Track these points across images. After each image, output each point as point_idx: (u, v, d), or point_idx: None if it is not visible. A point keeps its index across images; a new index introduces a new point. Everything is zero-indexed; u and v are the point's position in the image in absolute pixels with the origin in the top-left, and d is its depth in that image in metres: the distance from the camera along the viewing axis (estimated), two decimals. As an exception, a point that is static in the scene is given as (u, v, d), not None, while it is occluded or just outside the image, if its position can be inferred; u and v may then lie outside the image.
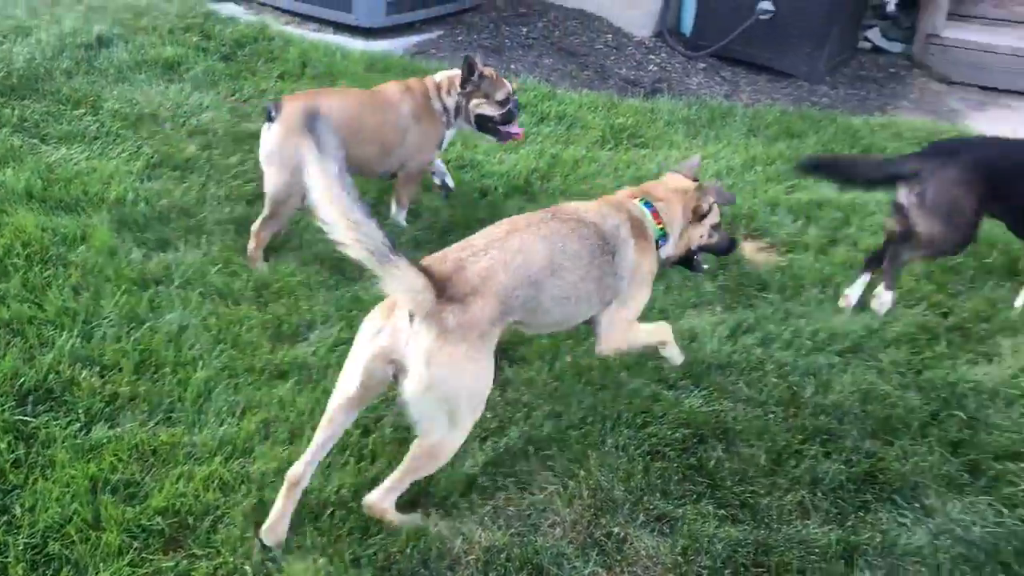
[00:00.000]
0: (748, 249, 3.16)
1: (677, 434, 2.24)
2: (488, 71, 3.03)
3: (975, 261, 3.11)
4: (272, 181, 2.77)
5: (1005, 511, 2.10)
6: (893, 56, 5.19)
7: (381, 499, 1.95)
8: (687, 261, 2.41)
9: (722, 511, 2.06)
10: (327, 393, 2.00)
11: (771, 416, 2.35)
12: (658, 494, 2.09)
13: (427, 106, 3.00)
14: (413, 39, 4.86)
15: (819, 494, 2.12)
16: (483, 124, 3.03)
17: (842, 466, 2.19)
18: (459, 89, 3.01)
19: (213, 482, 1.99)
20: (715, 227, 2.37)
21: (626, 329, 2.19)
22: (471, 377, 1.89)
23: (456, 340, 1.85)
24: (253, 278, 2.69)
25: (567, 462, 2.15)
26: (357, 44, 4.69)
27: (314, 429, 1.96)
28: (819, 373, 2.51)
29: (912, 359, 2.61)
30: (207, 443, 2.09)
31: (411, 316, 1.85)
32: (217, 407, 2.20)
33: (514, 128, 3.07)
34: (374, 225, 1.76)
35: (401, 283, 1.80)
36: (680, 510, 2.05)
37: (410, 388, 1.83)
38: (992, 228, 3.24)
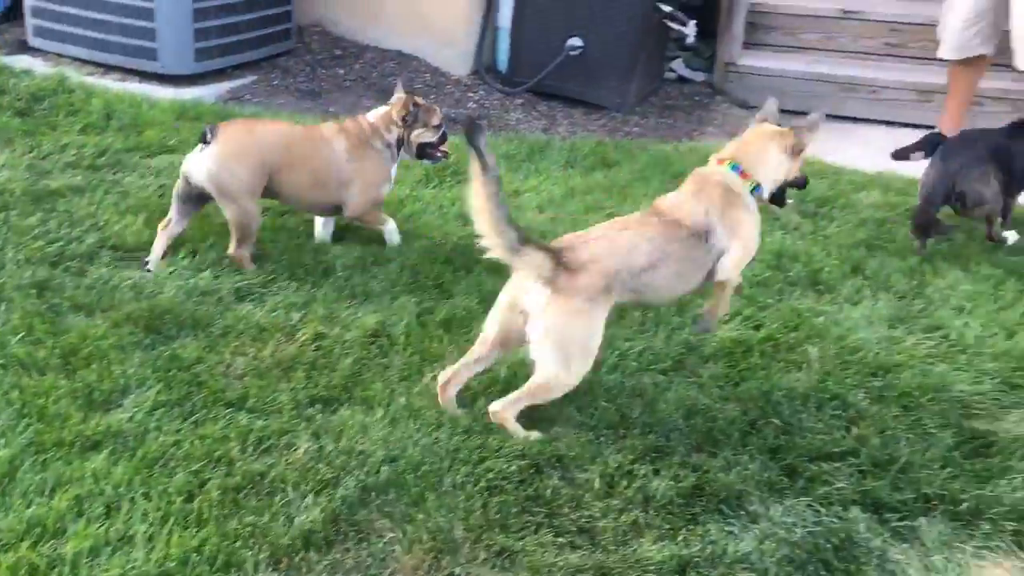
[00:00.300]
0: (573, 277, 3.24)
1: (514, 467, 2.26)
2: (421, 101, 3.25)
3: (781, 274, 3.31)
4: (230, 212, 2.92)
5: (822, 510, 2.22)
6: (697, 84, 5.48)
7: (504, 408, 2.39)
8: (779, 199, 2.74)
9: (561, 539, 2.08)
10: (146, 461, 2.04)
11: (603, 439, 2.41)
12: (498, 529, 2.09)
13: (364, 145, 3.14)
14: (225, 85, 4.74)
15: (651, 512, 2.18)
16: (423, 151, 3.26)
17: (671, 482, 2.26)
18: (399, 124, 3.16)
19: (21, 569, 1.85)
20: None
21: (735, 269, 2.58)
22: (580, 328, 2.36)
23: (567, 297, 2.32)
24: (59, 345, 2.53)
25: (405, 507, 2.13)
26: (166, 92, 4.54)
27: (133, 500, 1.91)
28: (645, 393, 2.60)
29: (730, 372, 2.74)
30: (13, 528, 1.94)
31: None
32: (24, 487, 2.05)
33: (445, 147, 3.33)
34: (512, 229, 2.29)
35: (529, 265, 2.32)
36: (520, 543, 2.05)
37: (532, 332, 2.34)
38: (795, 243, 3.49)
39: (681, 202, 2.57)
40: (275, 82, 4.88)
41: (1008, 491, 2.32)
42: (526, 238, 2.31)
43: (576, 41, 4.83)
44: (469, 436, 2.34)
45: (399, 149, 3.21)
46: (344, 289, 2.96)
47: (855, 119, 5.03)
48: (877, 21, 5.23)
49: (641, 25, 4.79)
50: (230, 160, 2.88)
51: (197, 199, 3.00)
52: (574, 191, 3.86)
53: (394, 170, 3.24)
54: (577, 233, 2.51)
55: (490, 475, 2.22)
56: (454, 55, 5.17)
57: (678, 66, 5.56)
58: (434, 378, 2.54)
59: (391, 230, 3.24)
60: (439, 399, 2.43)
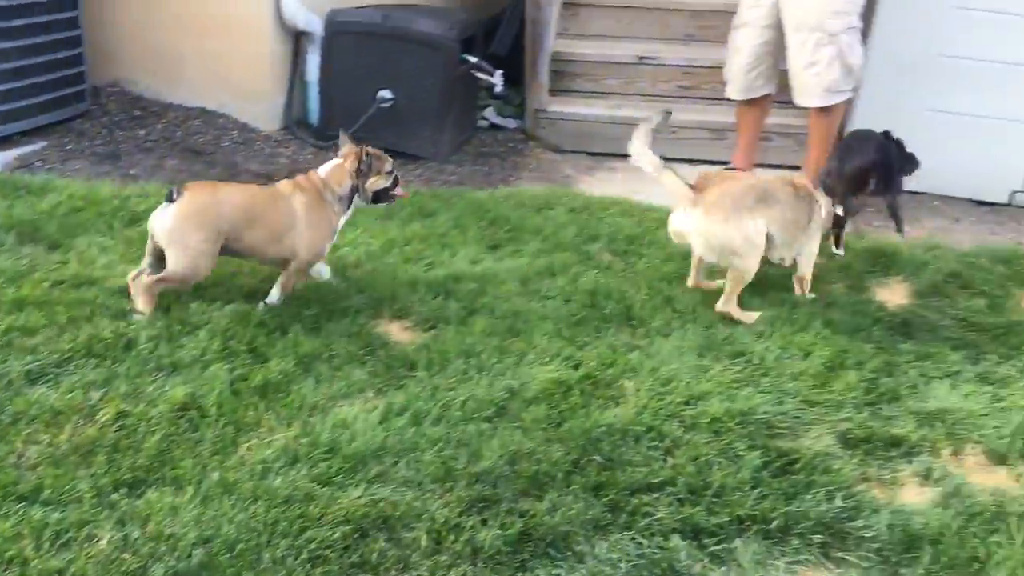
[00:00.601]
0: (395, 330, 3.22)
1: (337, 533, 2.19)
2: (372, 150, 3.32)
3: (597, 312, 3.40)
4: (178, 261, 3.02)
5: (644, 542, 2.27)
6: (510, 131, 5.62)
7: (725, 303, 3.41)
8: None
9: (389, 604, 2.04)
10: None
11: (429, 494, 2.38)
12: (322, 602, 2.02)
13: (317, 201, 3.23)
14: (13, 152, 4.45)
15: (480, 564, 2.16)
16: (378, 197, 3.37)
17: (499, 531, 2.26)
18: (352, 176, 3.26)
19: None
20: None
21: (808, 262, 3.64)
22: (734, 230, 3.32)
23: (714, 212, 3.32)
24: None
25: (221, 590, 2.02)
26: (-57, 162, 4.21)
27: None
28: (470, 443, 2.60)
29: (552, 413, 2.78)
30: None
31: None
32: None
33: (399, 190, 3.45)
34: (657, 156, 3.44)
35: (669, 185, 3.40)
36: (346, 613, 1.99)
37: (699, 247, 3.43)
38: (608, 281, 3.60)
39: (805, 182, 3.66)
40: (69, 147, 4.62)
41: (813, 505, 2.45)
42: (666, 165, 3.45)
43: (386, 93, 4.85)
44: (289, 506, 2.26)
45: (351, 200, 3.31)
46: (149, 362, 2.81)
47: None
48: (671, 66, 5.53)
49: (448, 76, 4.87)
50: (189, 219, 3.02)
51: (163, 254, 3.08)
52: (393, 243, 3.84)
53: (343, 220, 3.35)
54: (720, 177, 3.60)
55: (312, 545, 2.15)
56: (262, 111, 5.08)
57: (490, 114, 5.68)
58: (249, 449, 2.44)
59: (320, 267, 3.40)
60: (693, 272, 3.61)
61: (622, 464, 2.57)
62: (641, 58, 5.58)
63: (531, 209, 4.28)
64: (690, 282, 3.65)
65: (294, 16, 4.85)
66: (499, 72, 5.04)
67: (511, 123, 5.64)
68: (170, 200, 3.03)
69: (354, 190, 3.29)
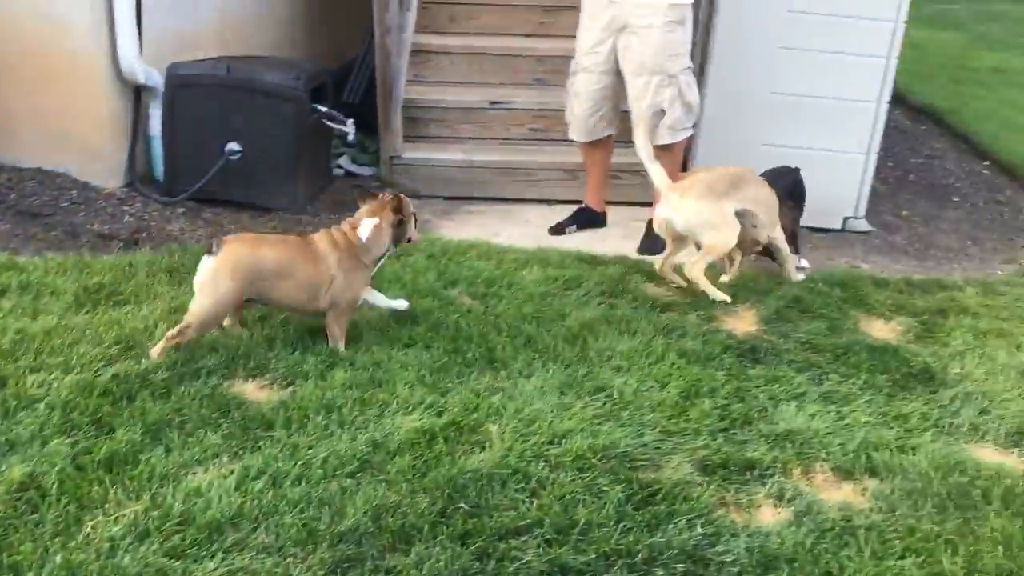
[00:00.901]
0: (250, 389, 3.12)
1: (193, 609, 2.10)
2: (403, 196, 3.48)
3: (459, 357, 3.40)
4: (202, 306, 3.17)
5: (512, 587, 2.27)
6: (367, 179, 5.58)
7: (693, 267, 4.01)
8: None
9: None
10: None
11: (290, 559, 2.30)
12: None
13: (354, 260, 3.36)
14: None
15: (345, 627, 2.11)
16: (399, 239, 3.50)
17: (365, 590, 2.21)
18: (393, 229, 3.41)
19: None
20: None
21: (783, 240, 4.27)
22: (706, 209, 3.96)
23: (688, 194, 3.97)
24: None
25: None
26: None
27: None
28: (333, 501, 2.53)
29: (416, 463, 2.75)
30: None
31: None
32: None
33: (416, 233, 3.63)
34: (651, 148, 4.08)
35: (654, 175, 4.04)
36: None
37: (679, 224, 3.99)
38: (470, 325, 3.61)
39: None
40: None
41: (675, 534, 2.51)
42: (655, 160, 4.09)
43: (234, 146, 4.74)
44: (138, 586, 2.14)
45: (386, 253, 3.48)
46: (-19, 442, 2.63)
47: (515, 200, 5.36)
48: (522, 110, 5.65)
49: (299, 126, 4.81)
50: (225, 272, 3.16)
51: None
52: (246, 299, 3.73)
53: (378, 267, 3.52)
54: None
55: (165, 625, 2.04)
56: (103, 168, 4.87)
57: (345, 162, 5.64)
58: (95, 526, 2.31)
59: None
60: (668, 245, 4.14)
61: (489, 509, 2.57)
62: (493, 103, 5.67)
63: (389, 257, 4.24)
64: (657, 266, 4.23)
65: (133, 70, 4.69)
66: (350, 120, 5.01)
67: (367, 170, 5.61)
68: (209, 253, 3.17)
69: (395, 242, 3.47)
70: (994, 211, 5.92)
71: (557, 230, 4.91)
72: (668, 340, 3.63)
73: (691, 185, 4.03)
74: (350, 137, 5.12)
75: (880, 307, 4.12)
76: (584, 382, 3.29)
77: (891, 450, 3.01)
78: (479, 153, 5.46)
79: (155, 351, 3.18)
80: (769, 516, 2.69)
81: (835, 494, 2.82)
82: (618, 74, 4.52)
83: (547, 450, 2.87)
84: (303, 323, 3.51)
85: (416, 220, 3.60)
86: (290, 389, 3.12)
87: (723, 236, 3.99)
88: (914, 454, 3.00)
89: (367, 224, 3.41)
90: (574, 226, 4.95)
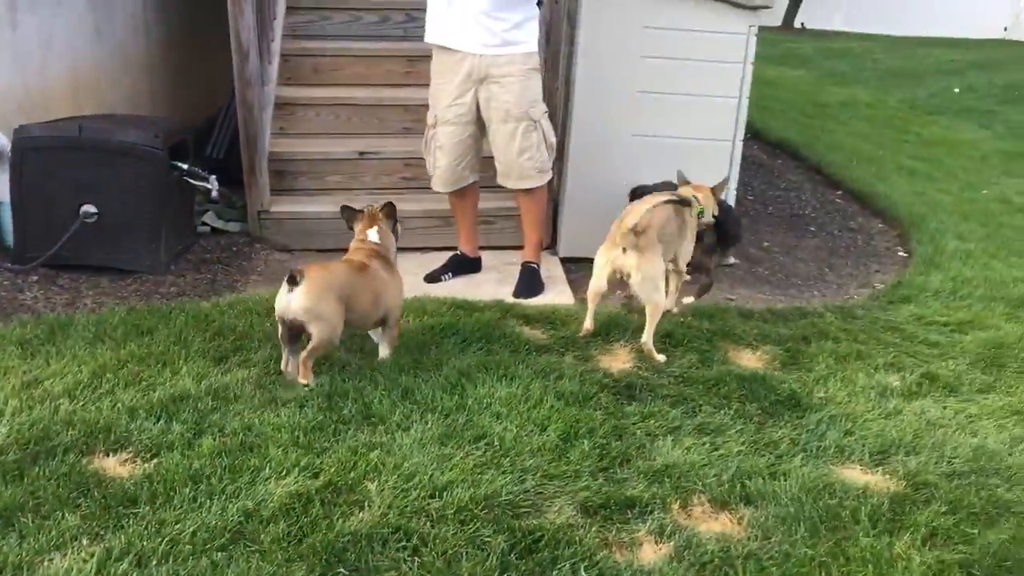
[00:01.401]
0: (111, 465, 2.96)
1: None
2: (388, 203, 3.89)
3: (334, 415, 3.32)
4: (322, 331, 3.42)
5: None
6: (234, 235, 5.44)
7: (648, 342, 3.97)
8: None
9: None
10: None
11: (157, 645, 2.18)
12: None
13: (389, 262, 3.76)
14: None
15: None
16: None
17: (238, 671, 2.10)
18: (391, 229, 3.86)
19: None
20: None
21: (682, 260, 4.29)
22: (655, 269, 3.93)
23: (645, 254, 3.90)
24: None
25: None
26: None
27: None
28: (203, 577, 2.42)
29: (292, 530, 2.65)
30: None
31: (624, 249, 3.91)
32: None
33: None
34: None
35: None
36: None
37: (634, 281, 3.92)
38: (345, 382, 3.53)
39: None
40: None
41: (558, 581, 2.50)
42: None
43: (90, 208, 4.55)
44: None
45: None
46: None
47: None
48: (392, 159, 5.64)
49: (158, 185, 4.65)
50: (322, 294, 3.43)
51: (297, 334, 3.49)
52: (105, 368, 3.56)
53: None
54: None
55: None
56: (-55, 236, 4.59)
57: (211, 219, 5.48)
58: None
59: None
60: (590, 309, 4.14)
61: (369, 572, 2.50)
62: (362, 153, 5.64)
63: (260, 315, 4.14)
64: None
65: (-24, 133, 4.47)
66: (213, 176, 4.89)
67: (234, 226, 5.47)
68: (293, 283, 3.38)
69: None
70: (848, 239, 6.24)
71: (432, 278, 4.90)
72: (546, 383, 3.65)
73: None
74: (213, 193, 4.99)
75: (747, 337, 4.26)
76: (464, 431, 3.26)
77: (763, 477, 3.09)
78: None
79: (302, 379, 3.46)
80: (651, 553, 2.71)
81: (713, 525, 2.87)
82: (480, 123, 4.59)
83: (428, 504, 2.82)
84: (168, 390, 3.37)
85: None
86: (155, 461, 2.98)
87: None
88: (785, 479, 3.08)
89: (374, 231, 3.78)
90: (449, 273, 4.95)
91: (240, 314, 4.17)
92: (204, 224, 5.45)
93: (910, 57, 16.12)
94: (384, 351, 3.76)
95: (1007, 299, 4.96)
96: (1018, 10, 20.98)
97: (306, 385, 3.45)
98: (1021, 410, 3.72)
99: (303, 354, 3.46)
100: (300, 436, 3.16)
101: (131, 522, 2.65)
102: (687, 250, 4.28)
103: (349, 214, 3.89)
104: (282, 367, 3.57)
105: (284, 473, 2.93)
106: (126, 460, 3.00)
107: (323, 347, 3.47)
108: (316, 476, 2.93)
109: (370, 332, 3.86)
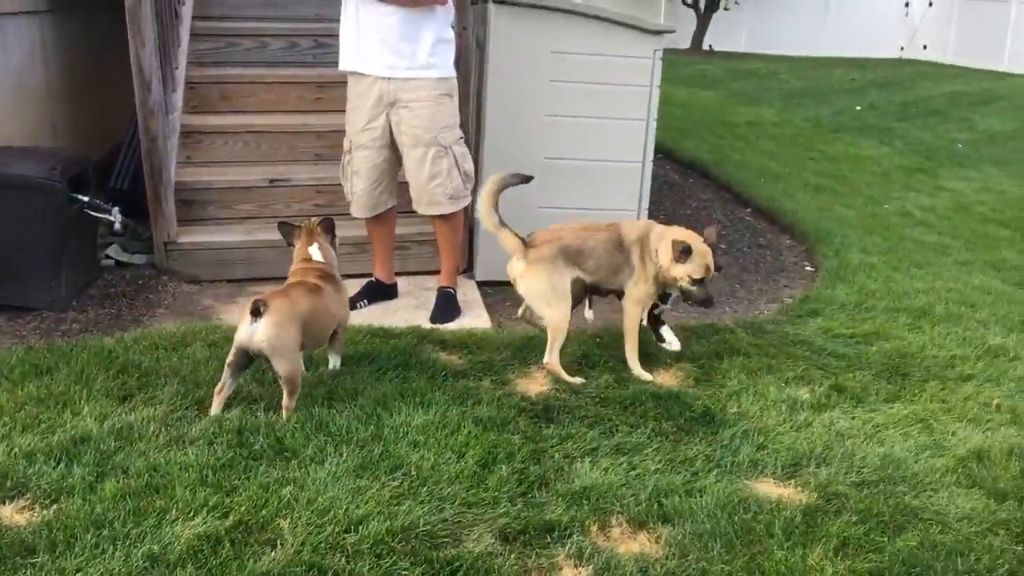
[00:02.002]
0: (8, 513, 2.82)
1: None
2: (315, 218, 3.95)
3: (245, 450, 3.23)
4: (284, 366, 3.45)
5: None
6: (140, 268, 5.28)
7: (551, 360, 3.97)
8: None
9: None
10: None
11: None
12: None
13: (336, 279, 3.88)
14: None
15: None
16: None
17: None
18: (331, 244, 3.95)
19: None
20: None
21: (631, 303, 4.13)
22: (546, 281, 3.94)
23: (534, 264, 3.94)
24: None
25: None
26: None
27: None
28: (106, 628, 2.31)
29: (200, 573, 2.56)
30: None
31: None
32: None
33: None
34: (498, 216, 3.94)
35: (505, 242, 3.98)
36: None
37: (520, 290, 4.02)
38: (255, 416, 3.44)
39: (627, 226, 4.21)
40: None
41: (477, 611, 2.47)
42: (504, 224, 3.96)
43: (-15, 243, 4.37)
44: None
45: None
46: None
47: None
48: (303, 186, 5.57)
49: (57, 219, 4.49)
50: (284, 325, 3.44)
51: (248, 363, 3.53)
52: (1, 411, 3.41)
53: None
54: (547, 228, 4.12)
55: None
56: None
57: (115, 252, 5.31)
58: None
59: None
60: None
61: (282, 613, 2.42)
62: (272, 181, 5.55)
63: (166, 349, 4.02)
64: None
65: None
66: (116, 208, 4.74)
67: (140, 259, 5.31)
68: (257, 314, 3.37)
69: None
70: (757, 255, 6.38)
71: (350, 305, 4.83)
72: (463, 408, 3.62)
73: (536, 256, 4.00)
74: (116, 225, 4.83)
75: (661, 355, 4.31)
76: (380, 462, 3.21)
77: (680, 495, 3.12)
78: (262, 232, 5.30)
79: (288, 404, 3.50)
80: (570, 578, 2.70)
81: (632, 546, 2.88)
82: (394, 147, 4.56)
83: (343, 539, 2.76)
84: (69, 432, 3.24)
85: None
86: (54, 507, 2.85)
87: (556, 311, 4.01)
88: (701, 496, 3.12)
89: (315, 249, 3.83)
90: (364, 300, 4.89)
91: (146, 349, 4.04)
92: (108, 257, 5.28)
93: (813, 77, 16.70)
94: (334, 360, 3.90)
95: (909, 310, 5.13)
96: (912, 30, 21.96)
97: (288, 410, 3.50)
98: (925, 418, 3.84)
99: (285, 401, 3.48)
100: (208, 474, 3.06)
101: (29, 573, 2.53)
102: (634, 292, 4.11)
103: (287, 230, 3.91)
104: (216, 390, 3.52)
105: (192, 514, 2.83)
106: (24, 507, 2.86)
107: (293, 380, 3.49)
108: (226, 516, 2.84)
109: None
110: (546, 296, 3.96)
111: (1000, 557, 2.91)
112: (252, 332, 3.40)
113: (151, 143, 4.99)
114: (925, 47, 21.57)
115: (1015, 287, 5.79)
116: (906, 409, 3.92)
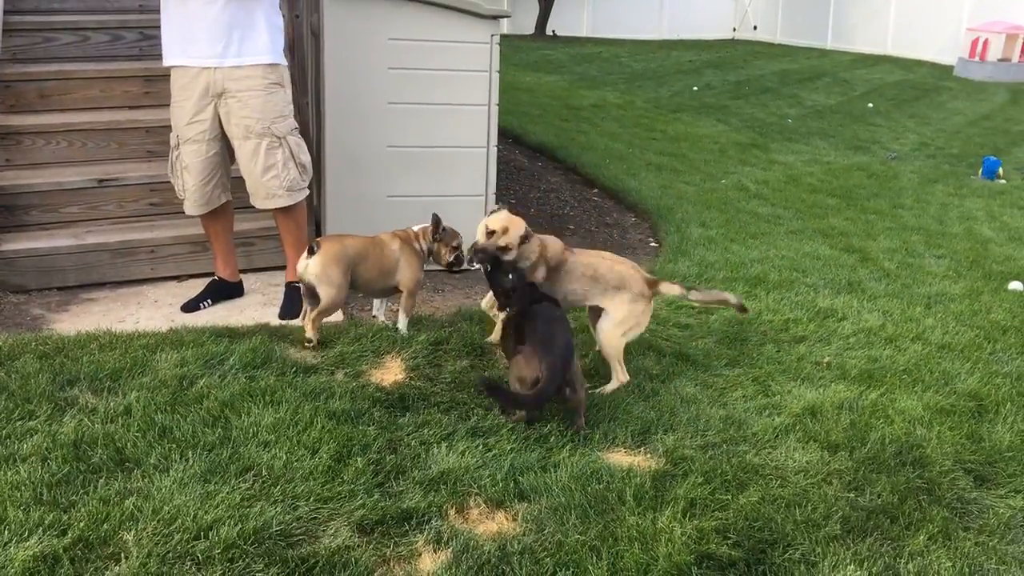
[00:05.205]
0: None
1: None
2: (446, 225, 4.31)
3: (83, 464, 3.06)
4: (326, 295, 4.05)
5: None
6: (-41, 280, 4.91)
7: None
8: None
9: None
10: None
11: None
12: None
13: (411, 247, 4.29)
14: None
15: None
16: (450, 266, 4.37)
17: None
18: (431, 238, 4.31)
19: None
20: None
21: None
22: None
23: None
24: None
25: None
26: None
27: None
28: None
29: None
30: None
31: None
32: None
33: (465, 264, 4.32)
34: None
35: None
36: None
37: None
38: (94, 427, 3.27)
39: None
40: None
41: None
42: None
43: None
44: None
45: (429, 255, 4.35)
46: None
47: (141, 281, 5.01)
48: (136, 185, 5.30)
49: None
50: (329, 262, 4.05)
51: (315, 292, 4.08)
52: None
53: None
54: None
55: None
56: None
57: (-72, 265, 4.92)
58: None
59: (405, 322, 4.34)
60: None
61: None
62: (101, 181, 5.26)
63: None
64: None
65: None
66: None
67: (-42, 271, 4.94)
68: (311, 252, 4.03)
69: (430, 250, 4.32)
70: (605, 234, 6.55)
71: (191, 307, 4.66)
72: (316, 404, 3.55)
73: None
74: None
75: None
76: (229, 465, 3.11)
77: (536, 472, 3.17)
78: (92, 236, 5.03)
79: (309, 334, 4.10)
80: (429, 563, 2.71)
81: (490, 526, 2.91)
82: (225, 140, 4.40)
83: (193, 547, 2.67)
84: None
85: (460, 256, 4.37)
86: None
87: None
88: (556, 471, 3.18)
89: (419, 225, 4.38)
90: (208, 300, 4.72)
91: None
92: (-80, 271, 4.89)
93: (653, 60, 17.25)
94: (402, 320, 4.33)
95: (746, 279, 5.39)
96: (742, 12, 22.99)
97: (309, 341, 4.08)
98: (762, 379, 4.05)
99: (312, 313, 4.07)
100: (43, 492, 2.89)
101: None
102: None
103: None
104: (301, 317, 4.30)
105: (26, 534, 2.67)
106: None
107: (328, 307, 4.08)
108: (64, 533, 2.70)
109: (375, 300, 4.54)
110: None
111: (834, 505, 3.11)
112: (306, 266, 4.06)
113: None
114: (756, 28, 22.67)
115: (841, 251, 6.18)
116: (745, 373, 4.12)
